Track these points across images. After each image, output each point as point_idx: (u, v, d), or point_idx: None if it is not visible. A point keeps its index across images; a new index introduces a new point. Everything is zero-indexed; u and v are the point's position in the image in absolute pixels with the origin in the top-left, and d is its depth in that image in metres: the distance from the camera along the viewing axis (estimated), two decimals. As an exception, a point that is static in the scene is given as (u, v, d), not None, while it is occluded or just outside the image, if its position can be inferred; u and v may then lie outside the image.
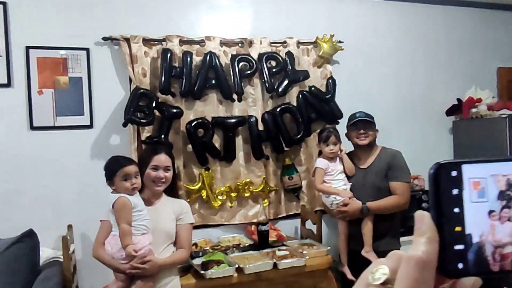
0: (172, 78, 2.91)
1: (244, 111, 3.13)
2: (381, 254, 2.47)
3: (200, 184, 3.03)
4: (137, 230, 1.92)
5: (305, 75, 3.26)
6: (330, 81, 3.32)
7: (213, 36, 3.06)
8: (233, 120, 3.07)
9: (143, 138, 2.85)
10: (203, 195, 3.04)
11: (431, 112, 3.84)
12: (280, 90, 3.16)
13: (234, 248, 2.75)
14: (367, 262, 2.37)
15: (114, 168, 1.98)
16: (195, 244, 2.75)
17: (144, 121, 2.82)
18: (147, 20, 2.99)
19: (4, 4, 2.69)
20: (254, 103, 3.14)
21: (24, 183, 2.73)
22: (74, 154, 2.83)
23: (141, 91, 2.82)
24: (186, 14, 3.11)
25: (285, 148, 3.21)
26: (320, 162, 2.67)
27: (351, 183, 2.64)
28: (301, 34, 3.31)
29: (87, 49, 2.85)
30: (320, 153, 2.79)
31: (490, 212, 0.39)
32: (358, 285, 0.39)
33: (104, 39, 2.87)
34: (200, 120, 2.99)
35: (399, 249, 2.22)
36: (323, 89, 3.32)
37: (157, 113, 2.88)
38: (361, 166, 2.68)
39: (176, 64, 2.93)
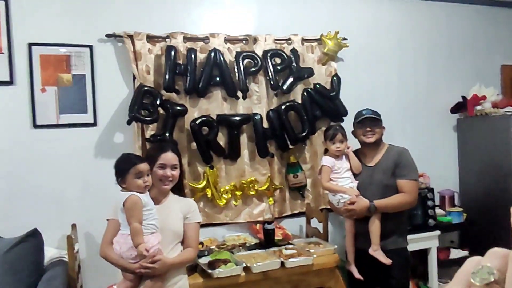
0: (176, 76, 2.88)
1: (249, 108, 3.10)
2: (389, 252, 2.46)
3: (204, 182, 3.00)
4: (147, 229, 1.89)
5: (310, 72, 3.23)
6: (334, 78, 3.29)
7: (218, 33, 3.04)
8: (237, 118, 3.04)
9: (147, 136, 2.82)
10: (207, 193, 3.01)
11: (435, 110, 3.83)
12: (284, 87, 3.13)
13: (240, 247, 2.72)
14: (374, 261, 2.36)
15: (127, 166, 1.94)
16: (201, 243, 2.73)
17: (148, 118, 2.78)
18: (151, 16, 2.96)
19: (6, 0, 2.65)
20: (258, 101, 3.12)
21: (28, 182, 2.70)
22: (78, 152, 2.80)
23: (145, 88, 2.79)
24: (190, 11, 3.08)
25: (290, 146, 3.18)
26: (326, 160, 2.65)
27: (357, 181, 2.61)
28: (306, 31, 3.29)
29: (90, 46, 2.82)
30: (326, 151, 2.76)
31: None
32: (455, 285, 0.36)
33: (108, 36, 2.83)
34: (205, 118, 2.96)
35: (406, 248, 2.19)
36: (328, 86, 3.29)
37: (161, 110, 2.85)
38: (368, 164, 2.65)
39: (180, 61, 2.90)
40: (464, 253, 3.62)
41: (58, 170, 2.76)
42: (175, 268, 2.03)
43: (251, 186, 3.10)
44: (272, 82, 3.08)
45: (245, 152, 3.11)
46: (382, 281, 2.52)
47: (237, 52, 3.05)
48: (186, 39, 2.96)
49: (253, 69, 3.06)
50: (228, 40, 3.07)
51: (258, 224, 3.05)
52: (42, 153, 2.73)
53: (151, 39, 2.89)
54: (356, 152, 2.73)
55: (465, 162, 3.88)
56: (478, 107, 3.70)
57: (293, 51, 3.19)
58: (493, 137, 3.59)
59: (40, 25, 2.73)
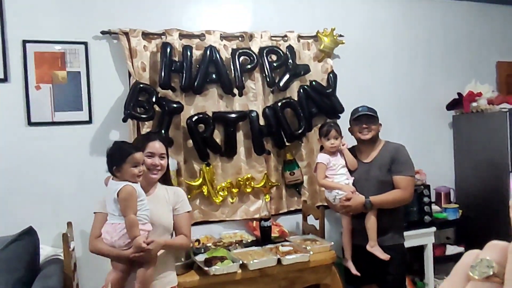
0: (172, 73, 2.87)
1: (245, 106, 3.09)
2: (386, 249, 2.47)
3: (201, 180, 3.00)
4: (139, 220, 1.87)
5: (306, 69, 3.23)
6: (331, 75, 3.29)
7: (213, 30, 3.02)
8: (234, 115, 3.03)
9: (143, 133, 2.80)
10: (204, 191, 3.01)
11: (431, 106, 3.84)
12: (281, 84, 3.13)
13: (237, 244, 2.72)
14: (371, 257, 2.36)
15: (124, 154, 1.89)
16: (198, 241, 2.72)
17: (144, 116, 2.77)
18: (146, 13, 2.94)
19: (0, -3, 2.63)
20: (255, 98, 3.11)
21: (22, 180, 2.68)
22: (73, 150, 2.78)
23: (141, 85, 2.78)
24: (186, 8, 3.06)
25: (286, 143, 3.18)
26: (322, 157, 2.65)
27: (353, 178, 2.62)
28: (302, 28, 3.28)
29: (85, 43, 2.80)
30: (321, 148, 2.76)
31: None
32: (453, 280, 0.36)
33: (103, 33, 2.81)
34: (201, 115, 2.95)
35: (403, 243, 2.19)
36: (324, 83, 3.29)
37: (157, 108, 2.84)
38: (365, 161, 2.66)
39: (176, 58, 2.88)
40: (460, 249, 3.63)
41: (54, 168, 2.74)
42: (167, 249, 2.00)
43: (247, 183, 3.10)
44: (268, 79, 3.08)
45: (241, 150, 3.11)
46: (379, 277, 2.53)
47: (233, 49, 3.04)
48: (182, 36, 2.95)
49: (249, 66, 3.05)
50: (224, 37, 3.06)
51: (254, 222, 3.04)
52: (37, 151, 2.71)
53: (146, 36, 2.87)
54: (352, 149, 2.73)
55: (461, 158, 3.90)
56: (474, 104, 3.71)
57: (289, 48, 3.18)
58: (489, 134, 3.61)
59: (35, 22, 2.71)
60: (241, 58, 3.04)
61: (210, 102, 3.02)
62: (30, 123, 2.69)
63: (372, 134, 2.61)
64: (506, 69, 4.11)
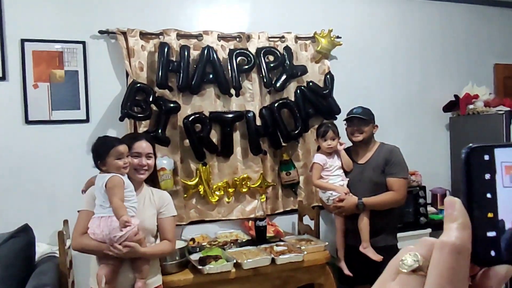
0: (170, 72, 2.88)
1: (242, 106, 3.11)
2: (379, 249, 2.48)
3: (197, 179, 3.02)
4: (128, 212, 1.88)
5: (303, 70, 3.25)
6: (328, 76, 3.31)
7: (211, 30, 3.04)
8: (230, 115, 3.05)
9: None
10: (200, 190, 3.02)
11: (428, 108, 3.85)
12: (278, 85, 3.14)
13: (232, 244, 2.74)
14: (364, 258, 2.37)
15: (106, 147, 1.93)
16: (193, 239, 2.74)
17: (141, 115, 2.79)
18: (144, 13, 2.96)
19: (-1, -4, 2.65)
20: (252, 98, 3.13)
21: (19, 178, 2.70)
22: (70, 148, 2.80)
23: (138, 85, 2.80)
24: (184, 8, 3.08)
25: (283, 144, 3.20)
26: (318, 158, 2.67)
27: (348, 179, 2.63)
28: (299, 29, 3.30)
29: (83, 43, 2.82)
30: (318, 148, 2.78)
31: None
32: (387, 273, 0.38)
33: (101, 32, 2.83)
34: (198, 115, 2.97)
35: (396, 245, 2.21)
36: (321, 84, 3.31)
37: (154, 107, 2.86)
38: (359, 162, 2.67)
39: (174, 58, 2.90)
40: (455, 251, 3.64)
41: (50, 166, 2.76)
42: (146, 257, 1.97)
43: (243, 183, 3.12)
44: (265, 80, 3.09)
45: (238, 149, 3.12)
46: (372, 278, 2.54)
47: (230, 50, 3.06)
48: (180, 36, 2.97)
49: (246, 67, 3.07)
50: (221, 37, 3.08)
51: (250, 221, 3.06)
52: (35, 149, 2.73)
53: (144, 35, 2.89)
54: (348, 150, 2.75)
55: (457, 160, 3.90)
56: (471, 106, 3.72)
57: (287, 49, 3.20)
58: (485, 136, 3.61)
59: (33, 21, 2.73)
60: (239, 59, 3.06)
61: (207, 102, 3.04)
62: (27, 122, 2.71)
63: (364, 137, 2.62)
64: (503, 72, 4.12)
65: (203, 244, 2.71)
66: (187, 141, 2.98)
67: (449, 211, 0.37)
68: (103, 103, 2.88)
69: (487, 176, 0.38)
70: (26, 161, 2.71)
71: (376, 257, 2.46)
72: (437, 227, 3.55)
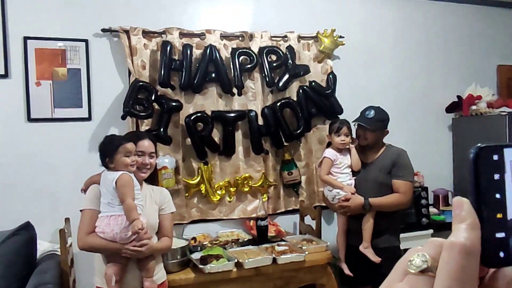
0: (172, 71, 2.88)
1: (244, 105, 3.10)
2: (381, 251, 2.47)
3: (199, 178, 3.01)
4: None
5: (306, 69, 3.24)
6: (330, 76, 3.30)
7: (214, 29, 3.04)
8: (232, 114, 3.05)
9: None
10: (202, 189, 3.02)
11: (430, 109, 3.84)
12: (280, 84, 3.13)
13: (233, 243, 2.73)
14: (365, 258, 2.35)
15: (115, 145, 1.93)
16: (194, 239, 2.74)
17: (143, 114, 2.79)
18: (147, 12, 2.95)
19: (2, -7, 2.65)
20: (254, 98, 3.12)
21: (21, 176, 2.70)
22: (72, 146, 2.80)
23: (140, 83, 2.80)
24: (187, 7, 3.07)
25: (285, 143, 3.19)
26: (329, 152, 2.61)
27: (355, 177, 2.60)
28: (302, 29, 3.29)
29: (86, 41, 2.82)
30: (328, 145, 2.72)
31: None
32: (394, 274, 0.38)
33: (103, 30, 2.83)
34: (200, 114, 2.97)
35: (399, 246, 2.20)
36: (324, 84, 3.30)
37: (156, 106, 2.86)
38: (365, 161, 2.64)
39: (176, 57, 2.90)
40: (457, 252, 3.63)
41: (52, 164, 2.76)
42: (157, 254, 2.04)
43: (245, 182, 3.12)
44: (267, 79, 3.09)
45: (239, 149, 3.12)
46: (373, 279, 2.53)
47: (233, 49, 3.05)
48: (182, 35, 2.96)
49: (248, 66, 3.06)
50: (224, 36, 3.07)
51: (252, 221, 3.05)
52: (36, 147, 2.73)
53: (147, 34, 2.89)
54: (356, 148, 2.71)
55: (460, 161, 3.89)
56: (473, 107, 3.71)
57: (289, 48, 3.19)
58: (488, 137, 3.60)
59: (36, 19, 2.73)
60: (241, 58, 3.05)
61: (209, 101, 3.03)
62: (30, 119, 2.71)
63: (367, 142, 2.58)
64: (507, 73, 4.10)
65: (204, 243, 2.71)
66: (189, 140, 2.97)
67: (457, 212, 0.36)
68: (105, 101, 2.87)
69: (496, 176, 0.37)
70: (28, 159, 2.71)
71: (375, 258, 2.44)
72: (439, 228, 3.54)
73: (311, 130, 3.27)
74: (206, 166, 3.02)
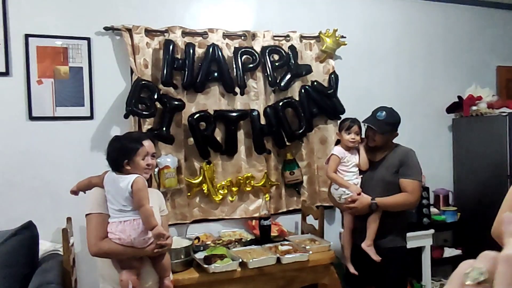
0: (174, 70, 2.87)
1: (246, 104, 3.10)
2: (386, 251, 2.46)
3: (201, 177, 3.00)
4: None
5: (308, 69, 3.24)
6: (332, 76, 3.30)
7: (216, 28, 3.03)
8: (235, 114, 3.04)
9: (144, 130, 2.81)
10: (204, 189, 3.01)
11: (431, 109, 3.85)
12: (282, 84, 3.13)
13: (236, 243, 2.72)
14: (370, 258, 2.32)
15: (135, 146, 1.85)
16: (197, 238, 2.72)
17: (146, 113, 2.77)
18: (149, 10, 2.94)
19: (3, -10, 2.62)
20: (256, 97, 3.11)
21: (23, 175, 2.68)
22: (74, 145, 2.78)
23: (143, 82, 2.78)
24: (189, 6, 3.06)
25: (287, 143, 3.18)
26: (338, 150, 2.59)
27: (361, 176, 2.59)
28: (304, 28, 3.29)
29: (88, 39, 2.80)
30: (337, 143, 2.71)
31: None
32: (450, 286, 0.40)
33: (106, 29, 2.81)
34: (202, 113, 2.96)
35: (405, 246, 2.20)
36: (326, 84, 3.30)
37: (158, 105, 2.84)
38: (372, 160, 2.62)
39: (179, 56, 2.89)
40: (458, 252, 3.65)
41: (54, 162, 2.74)
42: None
43: (247, 182, 3.11)
44: (270, 79, 3.08)
45: (242, 148, 3.11)
46: (378, 279, 2.52)
47: (235, 48, 3.05)
48: (185, 33, 2.95)
49: (251, 65, 3.05)
50: (226, 35, 3.06)
51: (254, 220, 3.04)
52: (38, 146, 2.70)
53: (149, 33, 2.87)
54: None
55: (460, 161, 3.91)
56: (474, 107, 3.73)
57: (292, 48, 3.19)
58: (488, 137, 3.62)
59: (37, 16, 2.70)
60: (243, 57, 3.05)
61: (212, 100, 3.02)
62: (31, 118, 2.69)
63: (376, 144, 2.56)
64: (506, 74, 4.13)
65: (207, 243, 2.70)
66: (191, 139, 2.96)
67: (510, 227, 0.39)
68: (107, 100, 2.85)
69: None
70: (30, 158, 2.69)
71: (376, 257, 2.43)
72: (440, 228, 3.56)
73: (313, 130, 3.27)
74: (208, 166, 3.01)
